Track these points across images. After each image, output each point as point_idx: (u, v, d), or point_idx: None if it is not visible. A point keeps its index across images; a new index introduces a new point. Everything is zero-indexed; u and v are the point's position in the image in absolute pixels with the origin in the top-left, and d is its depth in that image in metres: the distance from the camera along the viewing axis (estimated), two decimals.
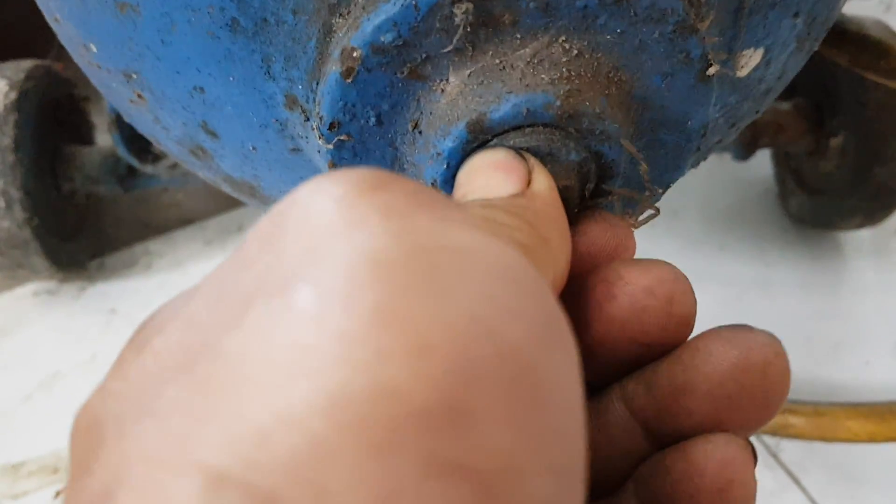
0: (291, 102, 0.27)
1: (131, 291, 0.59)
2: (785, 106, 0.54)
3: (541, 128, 0.21)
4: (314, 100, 0.25)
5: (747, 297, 0.56)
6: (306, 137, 0.28)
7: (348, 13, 0.23)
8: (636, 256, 0.22)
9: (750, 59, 0.28)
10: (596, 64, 0.22)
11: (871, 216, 0.53)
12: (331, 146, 0.23)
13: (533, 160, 0.20)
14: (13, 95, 0.52)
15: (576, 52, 0.21)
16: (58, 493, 0.48)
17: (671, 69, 0.22)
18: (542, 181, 0.19)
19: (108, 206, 0.65)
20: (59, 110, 0.58)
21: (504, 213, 0.17)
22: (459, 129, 0.21)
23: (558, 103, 0.21)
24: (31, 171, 0.53)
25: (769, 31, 0.27)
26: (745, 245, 0.59)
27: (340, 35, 0.22)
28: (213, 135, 0.30)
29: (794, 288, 0.56)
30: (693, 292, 0.19)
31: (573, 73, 0.21)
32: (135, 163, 0.54)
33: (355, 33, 0.21)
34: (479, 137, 0.21)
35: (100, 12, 0.28)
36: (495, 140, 0.21)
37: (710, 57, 0.22)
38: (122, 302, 0.58)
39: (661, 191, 0.25)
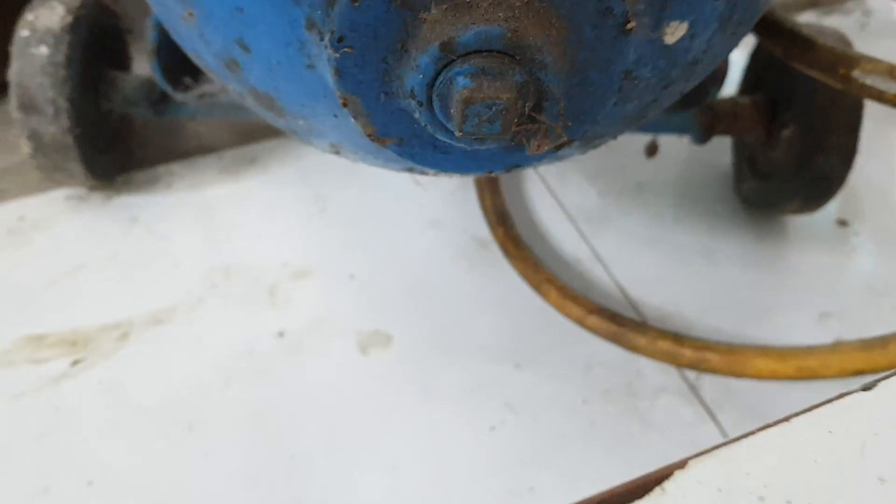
0: (310, 25, 0.34)
1: (152, 205, 0.66)
2: (745, 99, 0.62)
3: (495, 53, 0.29)
4: (328, 22, 0.32)
5: (694, 264, 0.63)
6: (319, 55, 0.35)
7: None
8: None
9: (677, 30, 0.35)
10: (541, 10, 0.29)
11: (809, 201, 0.60)
12: (337, 55, 0.30)
13: None
14: (69, 19, 0.60)
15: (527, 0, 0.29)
16: (75, 362, 0.55)
17: (599, 21, 0.29)
18: None
19: (137, 130, 0.72)
20: (105, 38, 0.65)
21: None
22: (434, 48, 0.29)
23: (509, 35, 0.28)
24: (77, 86, 0.60)
25: (692, 9, 0.34)
26: (697, 220, 0.66)
27: None
28: (246, 49, 0.37)
29: (736, 259, 0.63)
30: None
31: (522, 15, 0.28)
32: (168, 90, 0.61)
33: None
34: (447, 56, 0.29)
35: None
36: (460, 59, 0.29)
37: (628, 15, 0.29)
38: (143, 212, 0.66)
39: (570, 124, 0.32)
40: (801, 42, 0.44)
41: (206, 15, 0.37)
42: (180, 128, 0.73)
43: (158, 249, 0.63)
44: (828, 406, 0.27)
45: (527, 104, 0.30)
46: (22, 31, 0.59)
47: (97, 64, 0.64)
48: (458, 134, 0.30)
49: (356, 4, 0.29)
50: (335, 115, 0.39)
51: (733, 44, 0.40)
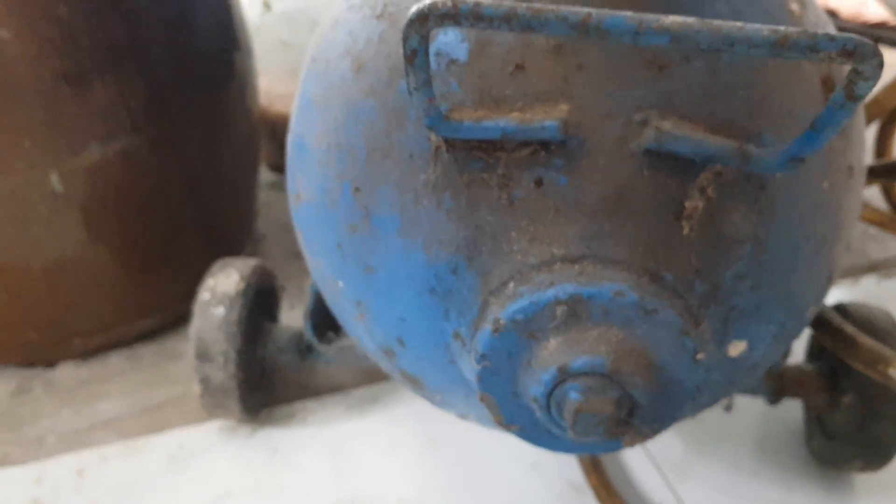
0: (456, 335, 0.45)
1: (289, 437, 0.77)
2: (809, 367, 0.70)
3: (598, 375, 0.39)
4: (472, 338, 0.43)
5: None
6: (460, 355, 0.46)
7: (499, 296, 0.42)
8: None
9: (737, 347, 0.45)
10: (633, 344, 0.39)
11: (869, 463, 0.66)
12: (479, 367, 0.41)
13: None
14: (242, 285, 0.74)
15: (622, 336, 0.39)
16: None
17: (676, 352, 0.40)
18: None
19: (279, 370, 0.85)
20: (265, 296, 0.80)
21: None
22: (553, 369, 0.39)
23: (609, 364, 0.39)
24: (243, 339, 0.73)
25: (749, 331, 0.44)
26: (772, 472, 0.72)
27: (494, 308, 0.41)
28: (403, 345, 0.49)
29: None
30: None
31: (619, 348, 0.39)
32: (316, 343, 0.74)
33: (502, 311, 0.40)
34: (563, 375, 0.39)
35: (352, 267, 0.48)
36: (571, 378, 0.39)
37: (698, 349, 0.39)
38: (282, 444, 0.76)
39: (656, 425, 0.42)
40: (846, 339, 0.53)
41: (374, 318, 0.49)
42: (314, 368, 0.86)
43: (294, 479, 0.73)
44: None
45: (622, 412, 0.40)
46: (204, 294, 0.74)
47: (257, 317, 0.78)
48: (569, 433, 0.40)
49: (496, 334, 0.40)
50: (467, 396, 0.50)
51: (787, 347, 0.50)
